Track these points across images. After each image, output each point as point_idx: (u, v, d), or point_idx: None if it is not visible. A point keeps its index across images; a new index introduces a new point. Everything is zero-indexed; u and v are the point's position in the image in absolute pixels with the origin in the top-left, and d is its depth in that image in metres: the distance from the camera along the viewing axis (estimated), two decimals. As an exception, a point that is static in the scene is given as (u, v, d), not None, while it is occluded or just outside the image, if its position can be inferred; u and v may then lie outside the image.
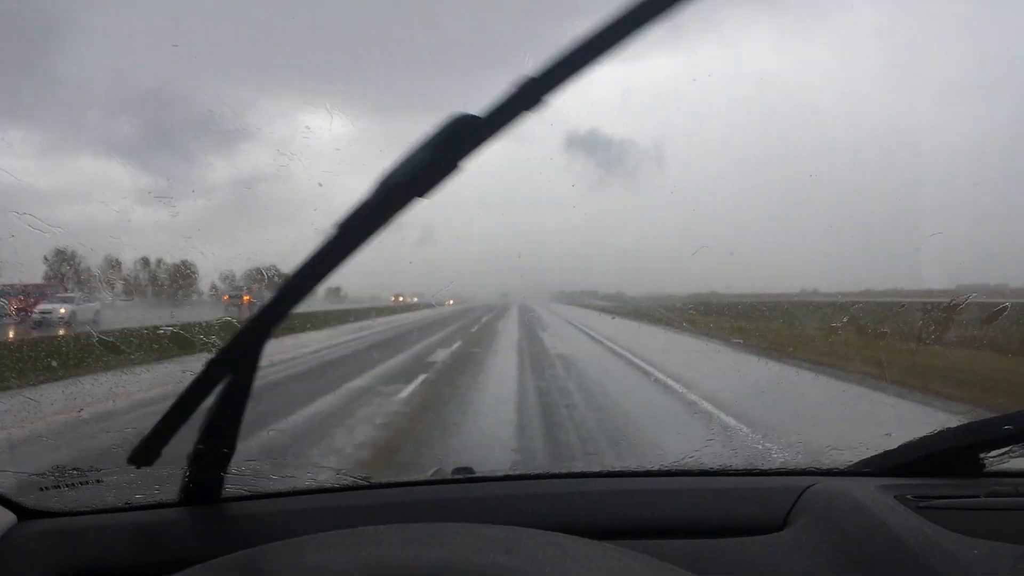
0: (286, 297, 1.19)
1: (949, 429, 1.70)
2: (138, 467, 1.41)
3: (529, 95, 0.98)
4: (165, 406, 1.33)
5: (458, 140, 1.02)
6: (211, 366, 1.29)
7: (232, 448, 1.45)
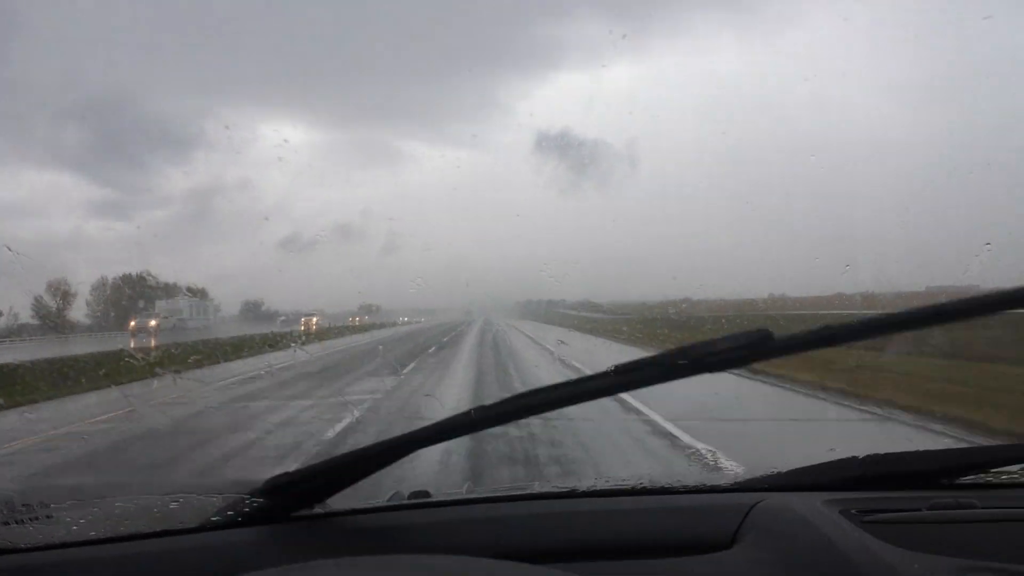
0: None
1: (907, 453, 1.72)
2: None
3: None
4: None
5: None
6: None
7: None
